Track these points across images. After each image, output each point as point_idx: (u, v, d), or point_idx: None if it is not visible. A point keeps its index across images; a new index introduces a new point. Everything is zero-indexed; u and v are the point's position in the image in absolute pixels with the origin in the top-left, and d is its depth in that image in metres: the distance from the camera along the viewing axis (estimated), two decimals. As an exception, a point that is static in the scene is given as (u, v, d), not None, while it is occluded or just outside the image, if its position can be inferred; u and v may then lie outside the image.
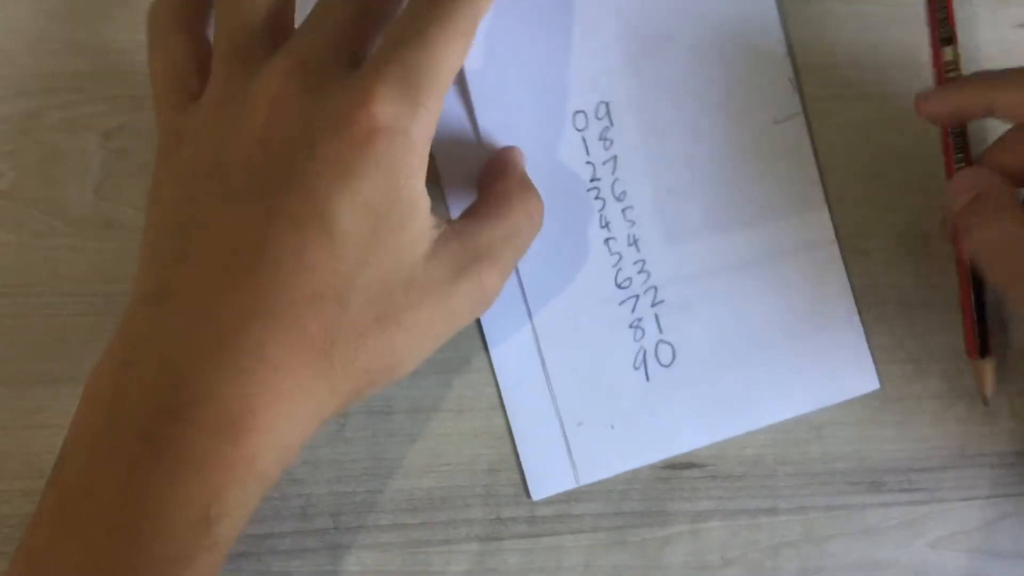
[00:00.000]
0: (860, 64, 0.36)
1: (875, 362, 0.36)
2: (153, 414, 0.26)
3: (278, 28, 0.30)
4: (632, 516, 0.35)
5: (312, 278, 0.27)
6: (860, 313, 0.36)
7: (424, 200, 0.28)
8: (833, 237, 0.36)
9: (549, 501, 0.35)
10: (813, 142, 0.36)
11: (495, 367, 0.35)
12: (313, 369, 0.27)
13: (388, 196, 0.27)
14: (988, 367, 0.35)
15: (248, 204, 0.27)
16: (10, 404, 0.34)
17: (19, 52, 0.34)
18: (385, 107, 0.27)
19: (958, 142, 0.35)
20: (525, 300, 0.35)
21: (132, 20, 0.34)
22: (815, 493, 0.36)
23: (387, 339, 0.28)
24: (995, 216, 0.31)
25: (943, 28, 0.35)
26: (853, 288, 0.36)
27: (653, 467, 0.35)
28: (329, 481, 0.34)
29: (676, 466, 0.36)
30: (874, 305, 0.36)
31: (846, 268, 0.36)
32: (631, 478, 0.35)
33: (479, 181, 0.34)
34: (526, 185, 0.32)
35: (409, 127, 0.27)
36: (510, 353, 0.35)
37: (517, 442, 0.35)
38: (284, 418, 0.27)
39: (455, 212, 0.35)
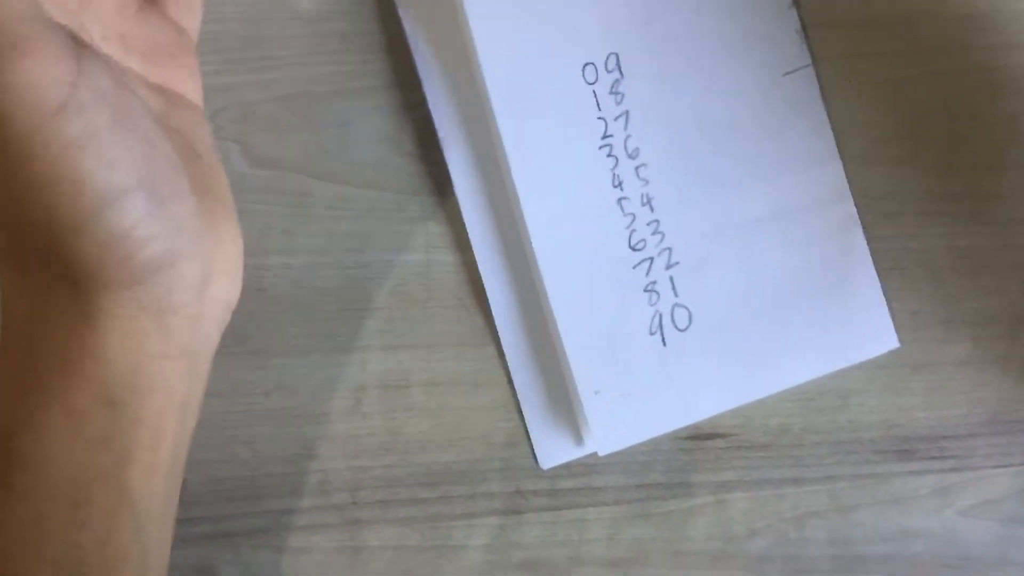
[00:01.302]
0: (883, 20, 0.35)
1: (903, 327, 0.35)
2: None
3: None
4: (655, 488, 0.35)
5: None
6: (888, 277, 0.35)
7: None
8: (848, 192, 0.35)
9: (570, 474, 0.35)
10: (824, 95, 0.35)
11: (500, 335, 0.34)
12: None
13: None
14: None
15: None
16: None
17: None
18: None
19: None
20: (535, 264, 0.34)
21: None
22: (842, 462, 0.35)
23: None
24: None
25: None
26: (881, 251, 0.35)
27: (676, 438, 0.35)
28: (346, 456, 0.34)
29: (699, 436, 0.35)
30: (902, 268, 0.35)
31: (874, 231, 0.35)
32: (653, 449, 0.35)
33: None
34: None
35: None
36: (518, 321, 0.34)
37: (524, 412, 0.34)
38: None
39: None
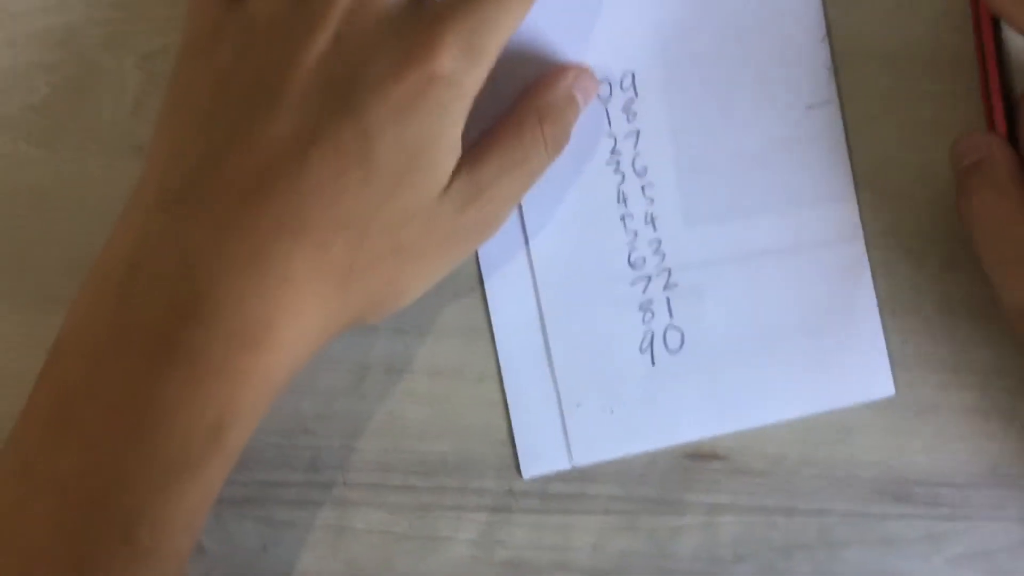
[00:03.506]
0: (907, 60, 0.35)
1: (912, 368, 0.35)
2: (168, 319, 0.26)
3: None
4: (646, 502, 0.35)
5: (343, 203, 0.27)
6: (903, 317, 0.35)
7: (458, 145, 0.29)
8: (860, 233, 0.34)
9: (563, 479, 0.34)
10: (847, 132, 0.34)
11: (496, 338, 0.34)
12: (330, 290, 0.28)
13: (429, 139, 0.28)
14: None
15: (296, 123, 0.27)
16: (27, 324, 0.34)
17: (64, -38, 0.33)
18: (448, 57, 0.28)
19: (1002, 56, 0.33)
20: (532, 272, 0.34)
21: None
22: (835, 497, 0.35)
23: (398, 268, 0.29)
24: (992, 190, 0.31)
25: None
26: (899, 289, 0.35)
27: (674, 454, 0.35)
28: (342, 435, 0.34)
29: (698, 456, 0.35)
30: (918, 311, 0.35)
31: (895, 268, 0.35)
32: (650, 463, 0.35)
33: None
34: (545, 110, 0.31)
35: (464, 79, 0.28)
36: (513, 325, 0.34)
37: (512, 418, 0.34)
38: (299, 333, 0.28)
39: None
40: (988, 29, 0.33)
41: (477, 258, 0.34)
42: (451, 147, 0.29)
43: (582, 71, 0.33)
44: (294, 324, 0.27)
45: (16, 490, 0.27)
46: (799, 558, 0.35)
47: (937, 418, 0.35)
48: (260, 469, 0.34)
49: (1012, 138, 0.33)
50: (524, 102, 0.32)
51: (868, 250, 0.35)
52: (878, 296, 0.35)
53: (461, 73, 0.28)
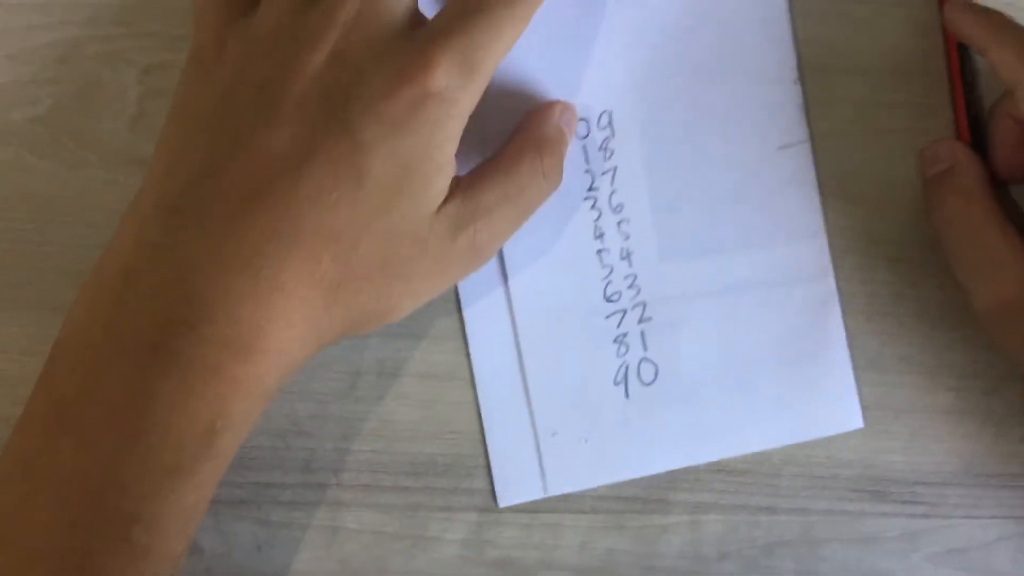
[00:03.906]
0: (878, 71, 0.36)
1: (891, 371, 0.36)
2: (163, 325, 0.27)
3: None
4: (632, 502, 0.35)
5: (335, 216, 0.28)
6: (882, 321, 0.36)
7: (451, 164, 0.29)
8: (830, 269, 0.35)
9: (552, 478, 0.35)
10: (817, 171, 0.35)
11: (473, 369, 0.35)
12: (320, 301, 0.28)
13: (422, 156, 0.28)
14: None
15: (291, 136, 0.28)
16: (30, 330, 0.34)
17: (66, -20, 0.34)
18: (443, 74, 0.28)
19: (967, 69, 0.34)
20: (510, 304, 0.35)
21: (181, -42, 0.34)
22: (816, 496, 0.36)
23: (387, 285, 0.29)
24: (960, 197, 0.32)
25: None
26: (878, 294, 0.36)
27: (658, 455, 0.35)
28: (335, 437, 0.35)
29: (681, 456, 0.36)
30: (897, 314, 0.36)
31: (874, 274, 0.36)
32: (635, 464, 0.35)
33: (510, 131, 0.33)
34: (543, 143, 0.32)
35: (459, 98, 0.28)
36: (490, 355, 0.35)
37: (489, 447, 0.35)
38: (290, 342, 0.28)
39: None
40: (952, 42, 0.34)
41: (457, 292, 0.35)
42: (444, 165, 0.29)
43: (567, 106, 0.34)
44: (285, 332, 0.28)
45: (16, 491, 0.28)
46: (781, 555, 0.36)
47: (914, 420, 0.36)
48: (255, 471, 0.34)
49: (980, 147, 0.34)
50: (522, 134, 0.32)
51: (845, 257, 0.36)
52: (856, 302, 0.36)
53: (455, 90, 0.28)
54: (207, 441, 0.27)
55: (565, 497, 0.35)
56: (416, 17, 0.30)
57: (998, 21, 0.32)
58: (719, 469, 0.36)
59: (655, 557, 0.35)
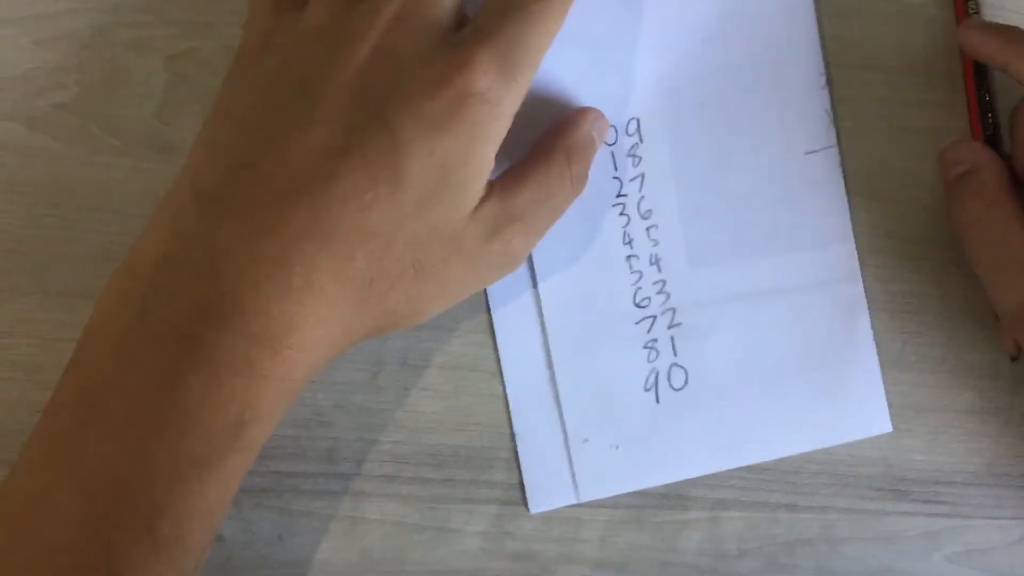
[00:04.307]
0: (901, 70, 0.36)
1: (913, 369, 0.36)
2: (194, 316, 0.27)
3: None
4: (653, 497, 0.35)
5: (370, 215, 0.28)
6: (905, 320, 0.36)
7: (490, 165, 0.29)
8: (858, 274, 0.35)
9: (573, 472, 0.35)
10: (845, 176, 0.35)
11: (504, 375, 0.35)
12: (351, 300, 0.28)
13: (461, 158, 0.28)
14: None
15: (330, 132, 0.28)
16: (52, 316, 0.34)
17: (93, -34, 0.34)
18: (483, 75, 0.28)
19: (982, 82, 0.34)
20: (540, 311, 0.35)
21: (209, -54, 0.34)
22: (837, 494, 0.36)
23: (418, 286, 0.29)
24: (982, 199, 0.32)
25: None
26: (902, 292, 0.36)
27: (680, 450, 0.35)
28: (358, 428, 0.35)
29: (703, 452, 0.35)
30: (920, 313, 0.36)
31: (898, 272, 0.36)
32: (656, 459, 0.35)
33: (539, 136, 0.33)
34: (574, 149, 0.32)
35: (501, 98, 0.28)
36: (521, 363, 0.35)
37: (520, 454, 0.35)
38: (319, 338, 0.28)
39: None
40: (968, 60, 0.35)
41: (486, 294, 0.35)
42: (482, 167, 0.29)
43: (599, 114, 0.33)
44: (315, 329, 0.28)
45: (42, 478, 0.27)
46: (801, 553, 0.36)
47: (936, 418, 0.36)
48: (278, 460, 0.34)
49: (997, 147, 0.34)
50: (553, 140, 0.32)
51: (868, 256, 0.35)
52: (878, 301, 0.36)
53: (497, 91, 0.28)
54: (234, 434, 0.27)
55: (585, 491, 0.35)
56: (459, 17, 0.30)
57: (1017, 36, 0.32)
58: (740, 466, 0.35)
59: (675, 553, 0.35)
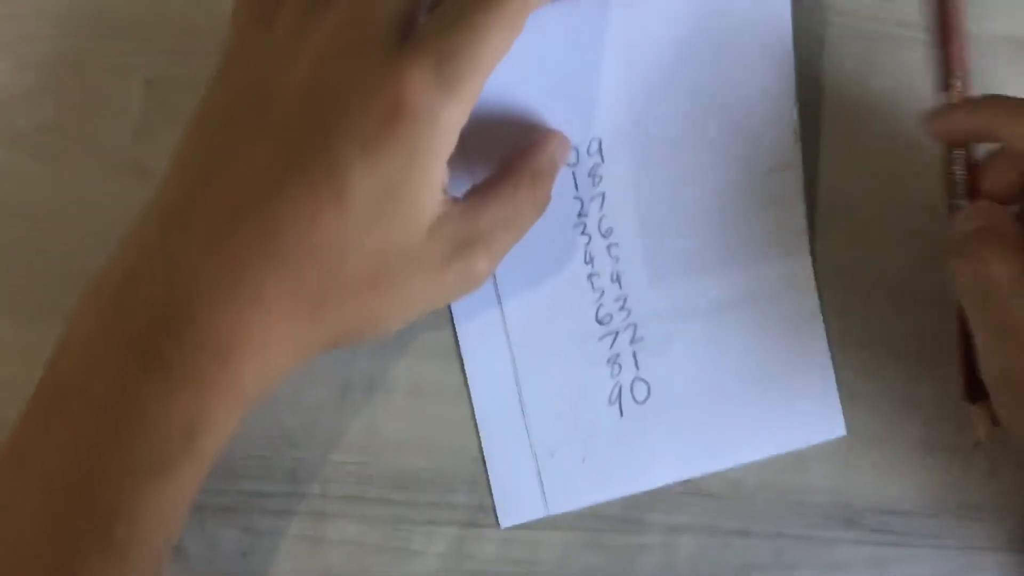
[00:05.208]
0: (869, 116, 0.37)
1: (865, 403, 0.37)
2: (150, 327, 0.28)
3: None
4: (610, 520, 0.36)
5: (317, 231, 0.28)
6: (856, 355, 0.37)
7: (439, 183, 0.29)
8: (813, 284, 0.36)
9: (533, 496, 0.36)
10: (806, 194, 0.36)
11: (471, 393, 0.35)
12: (302, 314, 0.28)
13: (402, 174, 0.28)
14: (981, 412, 0.35)
15: (274, 147, 0.28)
16: (26, 336, 0.35)
17: (76, -8, 0.35)
18: (415, 88, 0.27)
19: (960, 162, 0.33)
20: (506, 330, 0.35)
21: (191, -25, 0.35)
22: (789, 521, 0.37)
23: (376, 302, 0.29)
24: (997, 256, 0.30)
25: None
26: (851, 328, 0.37)
27: (637, 476, 0.36)
28: (323, 448, 0.35)
29: (660, 478, 0.36)
30: (871, 348, 0.37)
31: (849, 307, 0.37)
32: (614, 484, 0.36)
33: (503, 156, 0.33)
34: (539, 171, 0.32)
35: (438, 113, 0.27)
36: (487, 380, 0.35)
37: (489, 469, 0.35)
38: (269, 351, 0.28)
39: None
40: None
41: (451, 315, 0.35)
42: (429, 183, 0.28)
43: (564, 137, 0.34)
44: (265, 341, 0.28)
45: (11, 483, 0.28)
46: (753, 579, 0.37)
47: (886, 450, 0.37)
48: (243, 479, 0.35)
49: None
50: (519, 162, 0.32)
51: (823, 290, 0.36)
52: (832, 334, 0.37)
53: (431, 106, 0.27)
54: (186, 442, 0.28)
55: (545, 514, 0.36)
56: (410, 26, 0.29)
57: (999, 102, 0.31)
58: (694, 491, 0.36)
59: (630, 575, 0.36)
